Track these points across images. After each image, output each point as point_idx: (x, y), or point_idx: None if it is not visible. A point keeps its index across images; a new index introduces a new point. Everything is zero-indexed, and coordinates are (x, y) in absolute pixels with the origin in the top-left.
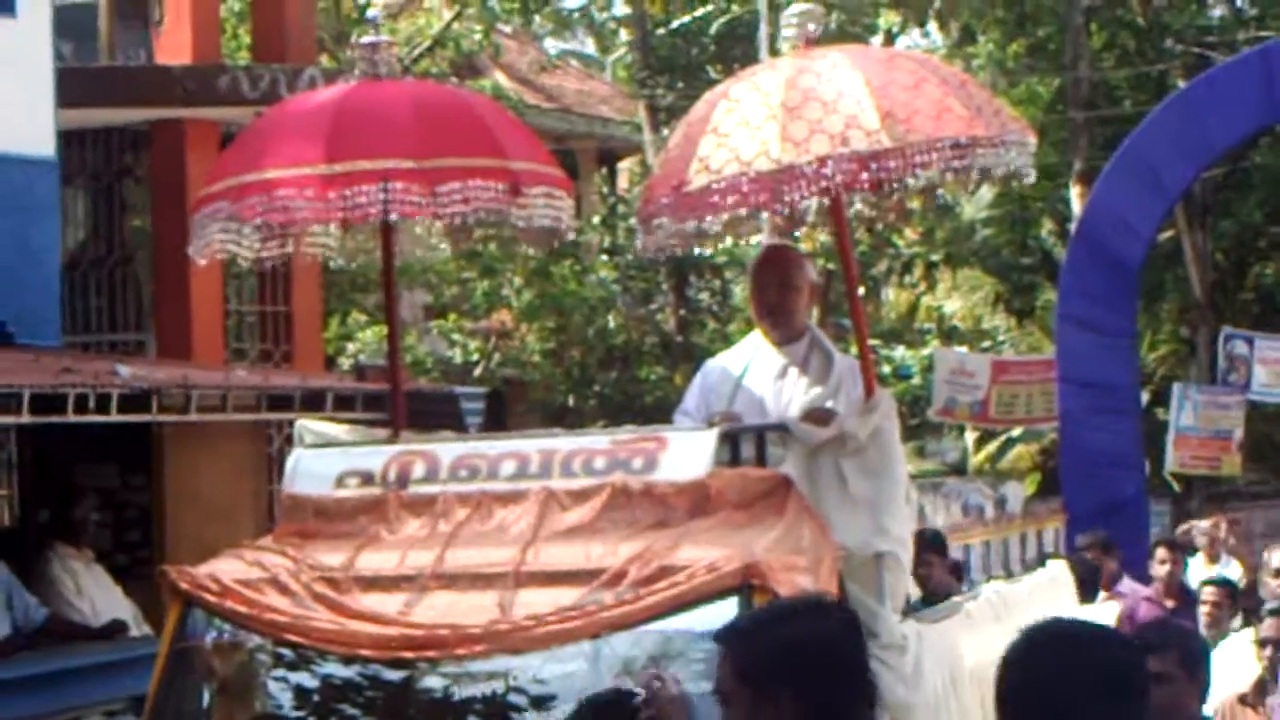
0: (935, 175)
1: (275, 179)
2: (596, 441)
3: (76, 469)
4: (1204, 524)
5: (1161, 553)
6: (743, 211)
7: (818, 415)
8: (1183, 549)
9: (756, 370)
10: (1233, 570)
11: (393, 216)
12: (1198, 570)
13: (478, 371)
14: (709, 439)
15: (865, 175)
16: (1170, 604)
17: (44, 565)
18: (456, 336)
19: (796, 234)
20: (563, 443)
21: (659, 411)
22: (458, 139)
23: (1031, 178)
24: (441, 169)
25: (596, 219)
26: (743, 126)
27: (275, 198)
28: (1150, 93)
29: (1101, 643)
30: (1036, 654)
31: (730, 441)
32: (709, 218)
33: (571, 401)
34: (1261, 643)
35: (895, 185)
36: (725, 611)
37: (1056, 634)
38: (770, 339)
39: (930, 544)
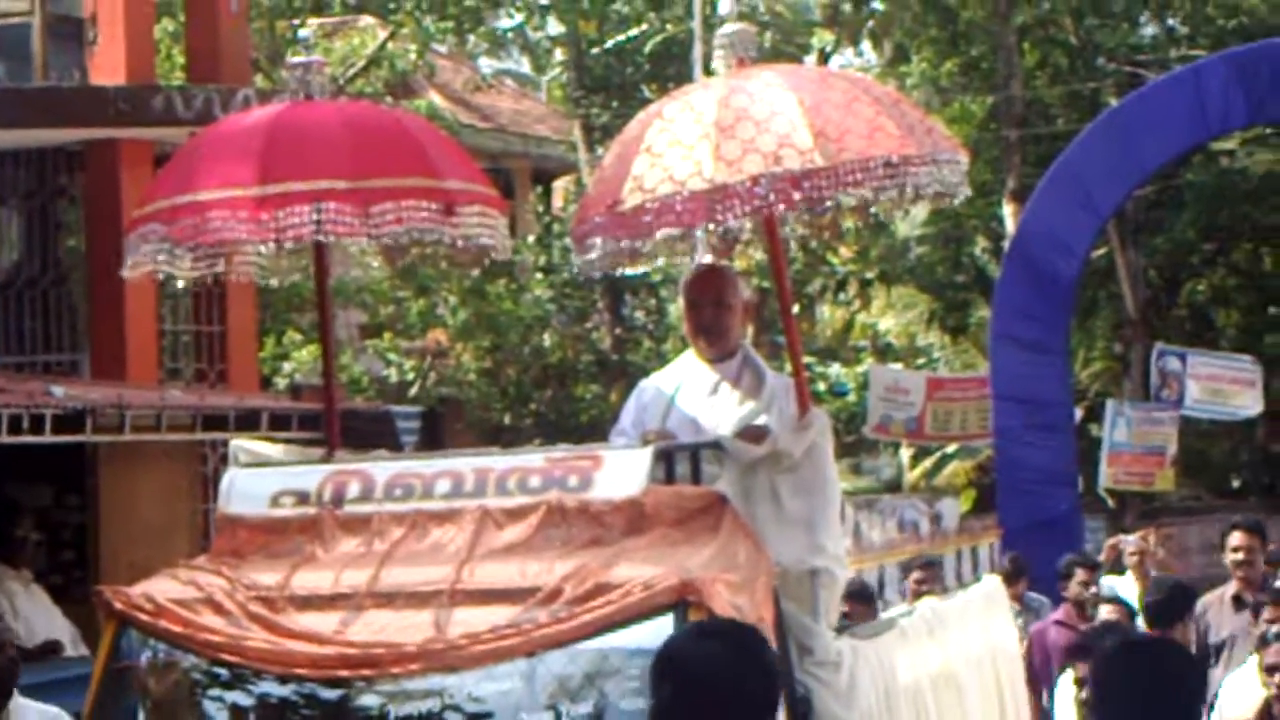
0: (869, 194)
1: (208, 200)
2: (531, 460)
3: (10, 489)
4: (1132, 538)
5: (1081, 573)
6: (677, 231)
7: (752, 433)
8: (1094, 567)
9: (690, 388)
10: None
11: (326, 237)
12: (1127, 589)
13: (413, 390)
14: (644, 457)
15: (798, 194)
16: (1084, 626)
17: None
18: (392, 356)
19: (731, 254)
20: (498, 461)
21: (595, 430)
22: (391, 159)
23: (964, 196)
24: (374, 189)
25: (532, 238)
26: (676, 146)
27: (208, 219)
28: (1083, 111)
29: None
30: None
31: (665, 459)
32: (643, 237)
33: (508, 420)
34: (1269, 669)
35: (829, 204)
36: (660, 629)
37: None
38: (703, 357)
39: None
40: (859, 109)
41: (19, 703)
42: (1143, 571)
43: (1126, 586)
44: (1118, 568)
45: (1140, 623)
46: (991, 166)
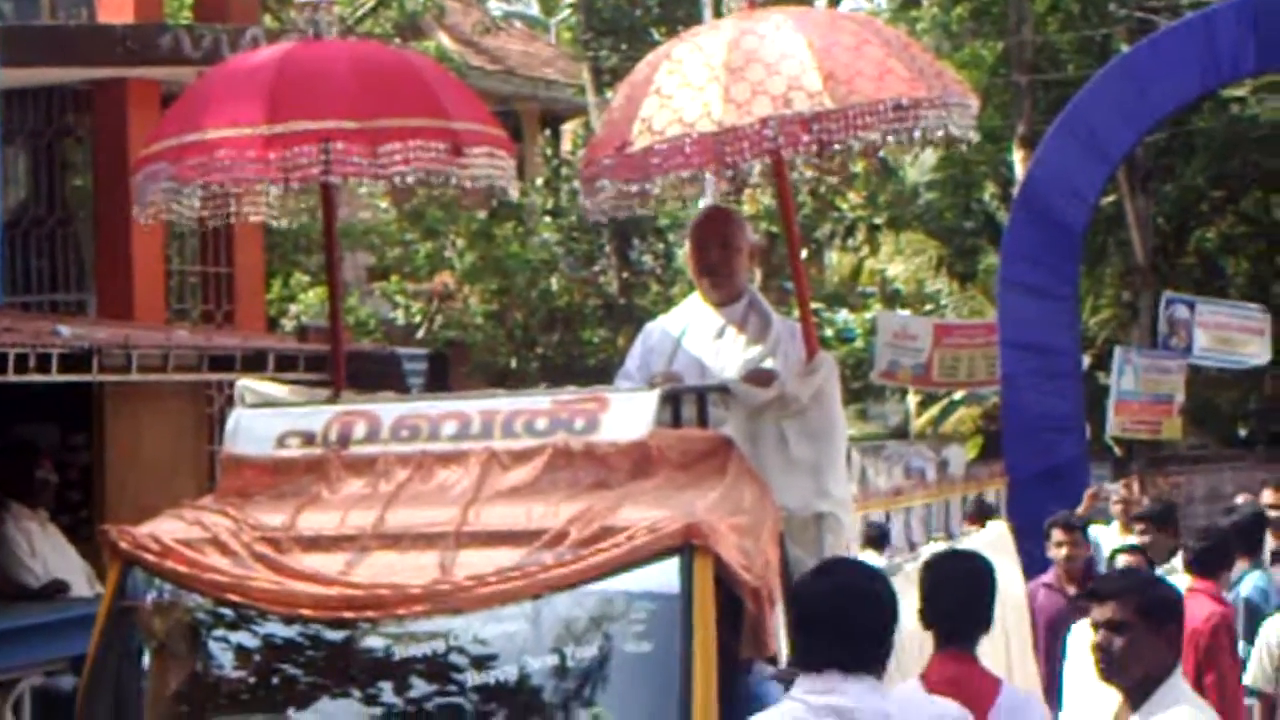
0: (877, 137)
1: (215, 139)
2: (538, 402)
3: (16, 429)
4: (1114, 486)
5: (1058, 534)
6: (685, 173)
7: (759, 376)
8: (1080, 528)
9: (695, 331)
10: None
11: (333, 177)
12: (1112, 540)
13: (420, 333)
14: (650, 400)
15: (807, 137)
16: (1073, 590)
17: None
18: (399, 298)
19: (740, 197)
20: (504, 403)
21: (601, 373)
22: (399, 99)
23: (973, 139)
24: (383, 129)
25: (540, 181)
26: (685, 88)
27: (215, 158)
28: (1094, 57)
29: None
30: None
31: (672, 402)
32: (651, 179)
33: (514, 363)
34: None
35: (838, 147)
36: (666, 572)
37: None
38: (709, 300)
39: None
40: (869, 51)
41: None
42: (1128, 525)
43: (1111, 538)
44: (1101, 517)
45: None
46: (1001, 112)
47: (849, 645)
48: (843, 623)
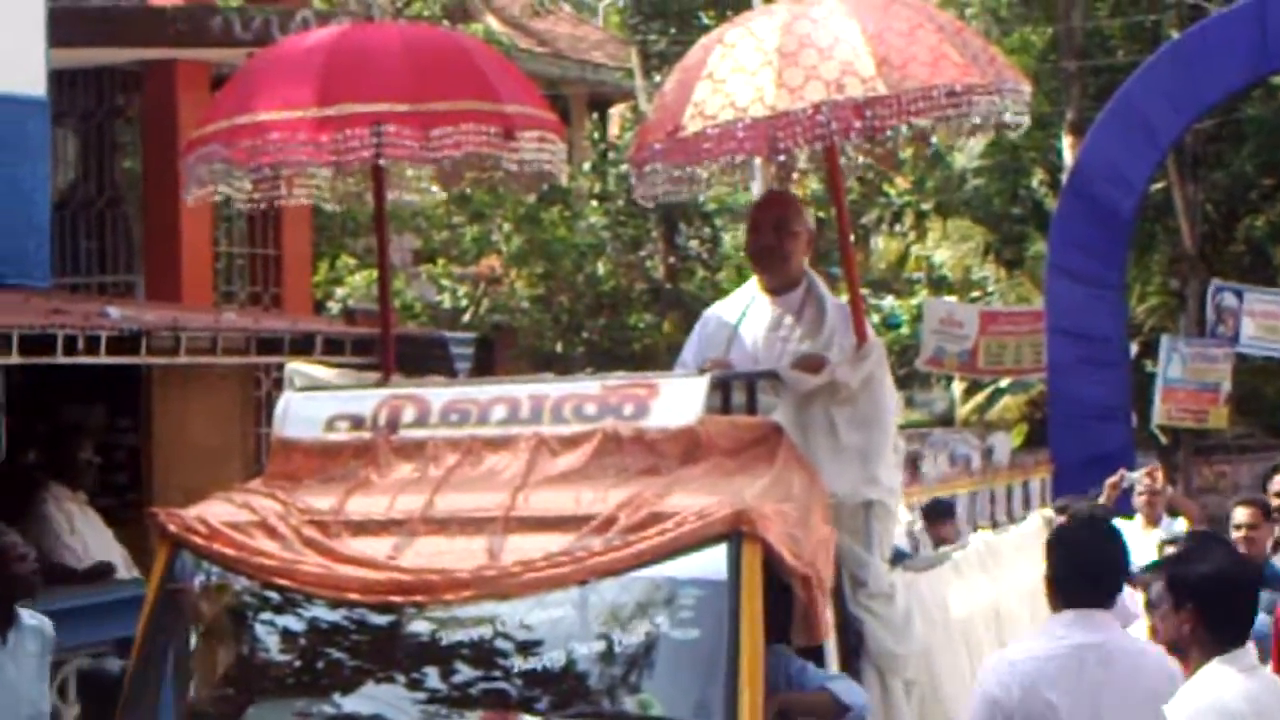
0: (930, 123)
1: (267, 121)
2: (587, 387)
3: (64, 410)
4: (1137, 475)
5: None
6: (736, 158)
7: (809, 363)
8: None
9: (751, 321)
10: (1179, 527)
11: (384, 160)
12: (1134, 536)
13: (466, 317)
14: (700, 386)
15: (860, 123)
16: None
17: (38, 505)
18: (445, 282)
19: (788, 183)
20: (553, 388)
21: (647, 358)
22: (451, 82)
23: (1025, 126)
24: (434, 112)
25: (587, 165)
26: (738, 72)
27: (267, 140)
28: (1144, 43)
29: None
30: None
31: (721, 389)
32: (703, 163)
33: (560, 348)
34: None
35: (890, 133)
36: (714, 559)
37: None
38: (765, 286)
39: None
40: (922, 36)
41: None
42: (1153, 514)
43: (1134, 532)
44: (1125, 510)
45: None
46: (1050, 98)
47: (1108, 588)
48: (1106, 568)
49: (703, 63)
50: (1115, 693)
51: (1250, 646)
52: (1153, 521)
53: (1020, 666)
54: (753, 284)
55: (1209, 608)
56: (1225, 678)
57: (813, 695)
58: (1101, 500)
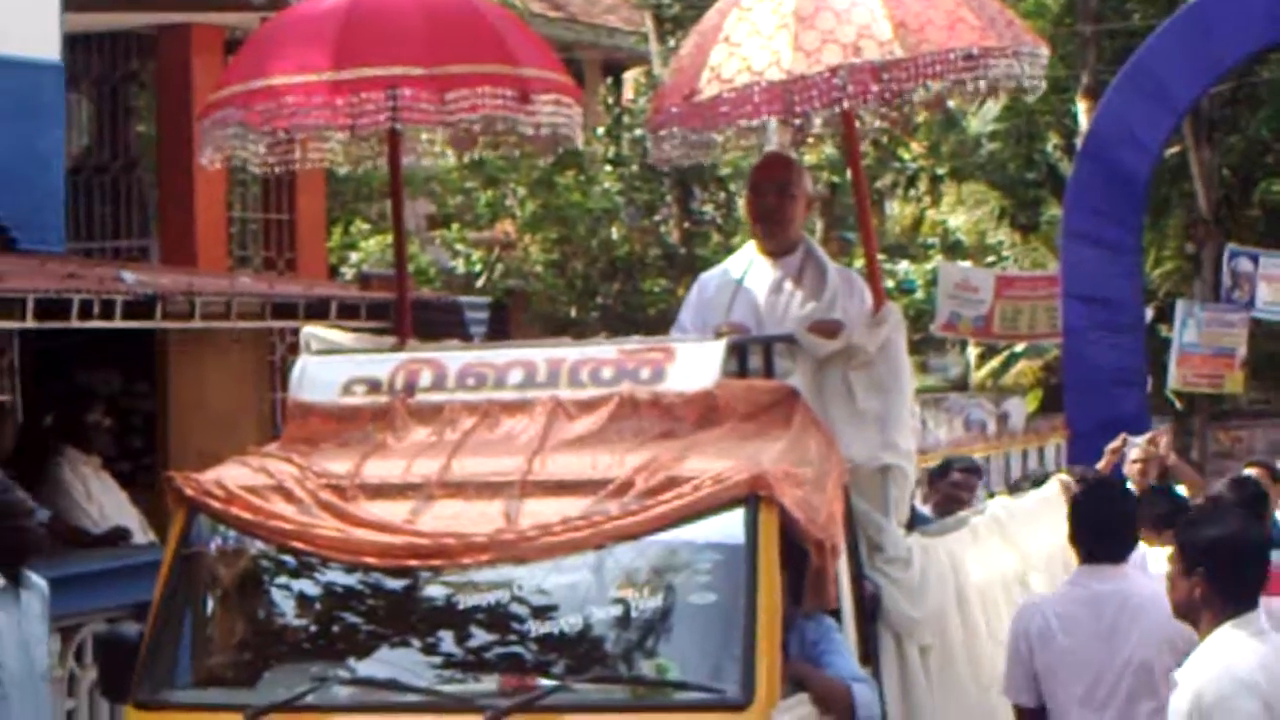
0: (947, 86)
1: (283, 85)
2: (604, 351)
3: (79, 374)
4: (1139, 440)
5: (957, 477)
6: (752, 122)
7: (826, 327)
8: (977, 473)
9: (752, 283)
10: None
11: (400, 124)
12: None
13: (480, 282)
14: (717, 350)
15: (877, 86)
16: None
17: (54, 469)
18: (459, 246)
19: (803, 147)
20: (570, 352)
21: (662, 323)
22: (467, 45)
23: (1041, 90)
24: (450, 75)
25: (601, 130)
26: (754, 36)
27: (283, 104)
28: (1159, 6)
29: None
30: None
31: (738, 353)
32: (719, 127)
33: (574, 313)
34: None
35: (905, 97)
36: (731, 523)
37: None
38: (764, 249)
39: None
40: (939, 0)
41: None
42: (1143, 483)
43: None
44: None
45: None
46: (1066, 62)
47: (1125, 542)
48: (1123, 525)
49: (719, 26)
50: (1128, 634)
51: (1260, 611)
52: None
53: (1044, 609)
54: (750, 248)
55: (1219, 572)
56: (1237, 642)
57: (832, 682)
58: (1100, 466)
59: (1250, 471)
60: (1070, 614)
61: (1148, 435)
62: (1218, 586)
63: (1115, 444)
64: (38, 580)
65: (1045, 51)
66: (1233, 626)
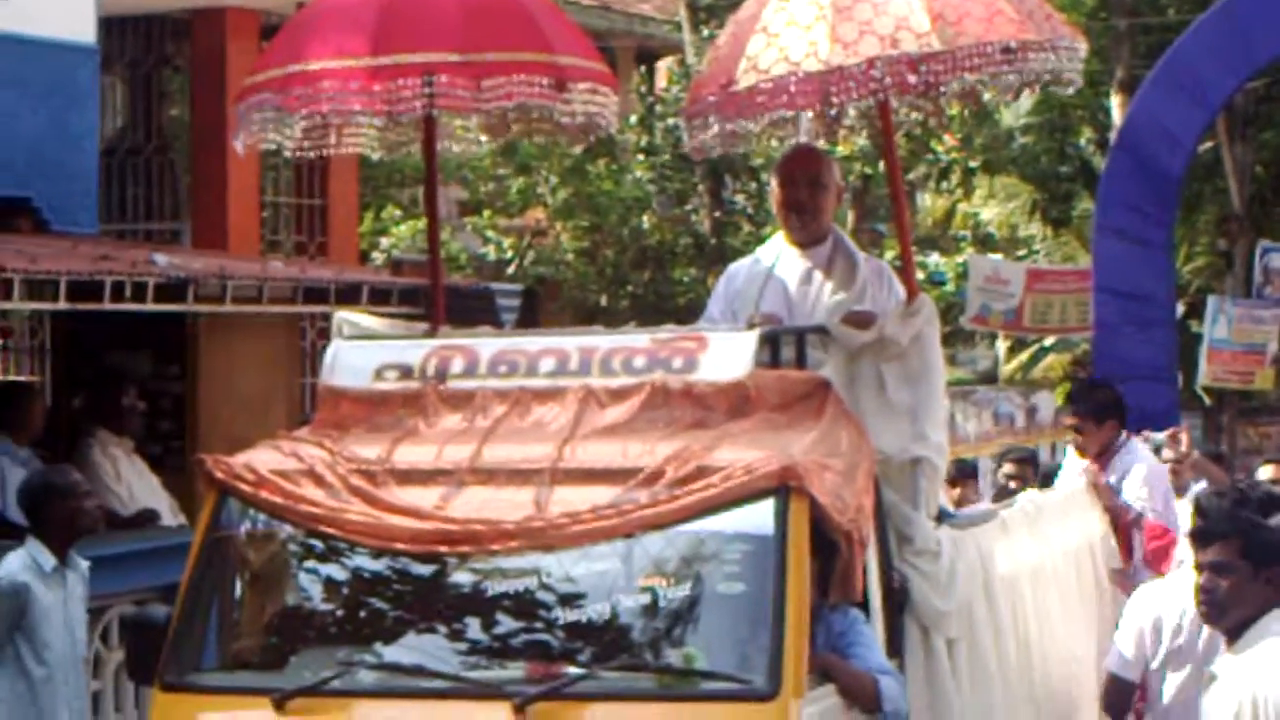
0: (984, 79)
1: (319, 70)
2: (636, 340)
3: (110, 357)
4: (1161, 437)
5: (1009, 468)
6: (786, 113)
7: (859, 318)
8: (1031, 462)
9: (781, 274)
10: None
11: (436, 110)
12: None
13: (511, 269)
14: (749, 340)
15: (914, 78)
16: None
17: (84, 450)
18: (490, 234)
19: (835, 138)
20: (602, 341)
21: (691, 312)
22: (504, 32)
23: (1079, 84)
24: (487, 62)
25: (634, 118)
26: (792, 26)
27: (319, 89)
28: (1194, 1)
29: None
30: None
31: (770, 343)
32: (755, 117)
33: (604, 301)
34: None
35: (944, 89)
36: (760, 513)
37: None
38: (793, 240)
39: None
40: None
41: None
42: (1179, 484)
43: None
44: None
45: None
46: (1100, 56)
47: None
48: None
49: (757, 16)
50: None
51: None
52: (1178, 492)
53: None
54: (779, 239)
55: None
56: None
57: (859, 674)
58: None
59: (1267, 469)
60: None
61: (1169, 432)
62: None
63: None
64: (82, 562)
65: (1083, 46)
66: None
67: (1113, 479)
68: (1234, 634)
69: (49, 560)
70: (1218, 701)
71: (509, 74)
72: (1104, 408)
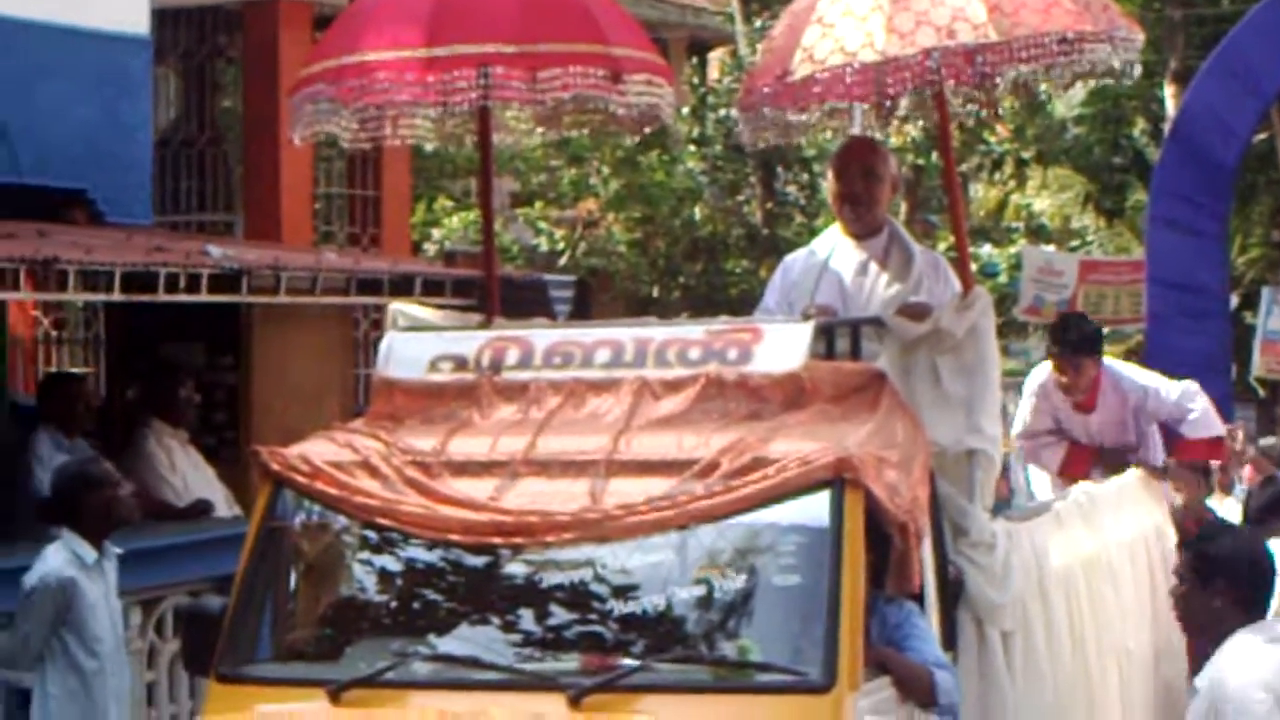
0: (1040, 69)
1: (374, 61)
2: (691, 331)
3: (164, 348)
4: None
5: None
6: (842, 104)
7: (914, 310)
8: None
9: (838, 266)
10: None
11: (491, 101)
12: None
13: (562, 260)
14: (804, 331)
15: (970, 69)
16: None
17: (139, 440)
18: (542, 225)
19: (887, 129)
20: (657, 332)
21: (744, 304)
22: (559, 24)
23: (1136, 75)
24: (542, 54)
25: (685, 109)
26: (848, 17)
27: (374, 79)
28: None
29: None
30: None
31: (825, 335)
32: (811, 107)
33: (656, 292)
34: None
35: (999, 80)
36: (816, 505)
37: None
38: (849, 231)
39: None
40: None
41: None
42: (1224, 481)
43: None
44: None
45: None
46: (1153, 47)
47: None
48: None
49: (812, 7)
50: None
51: (1272, 618)
52: (1224, 489)
53: None
54: (834, 230)
55: (1239, 582)
56: (1255, 647)
57: (914, 667)
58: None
59: None
60: None
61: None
62: (1237, 597)
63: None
64: (114, 551)
65: (1140, 36)
66: (1249, 633)
67: (1100, 416)
68: (1199, 649)
69: (90, 553)
70: (1193, 708)
71: (564, 65)
72: (1091, 342)
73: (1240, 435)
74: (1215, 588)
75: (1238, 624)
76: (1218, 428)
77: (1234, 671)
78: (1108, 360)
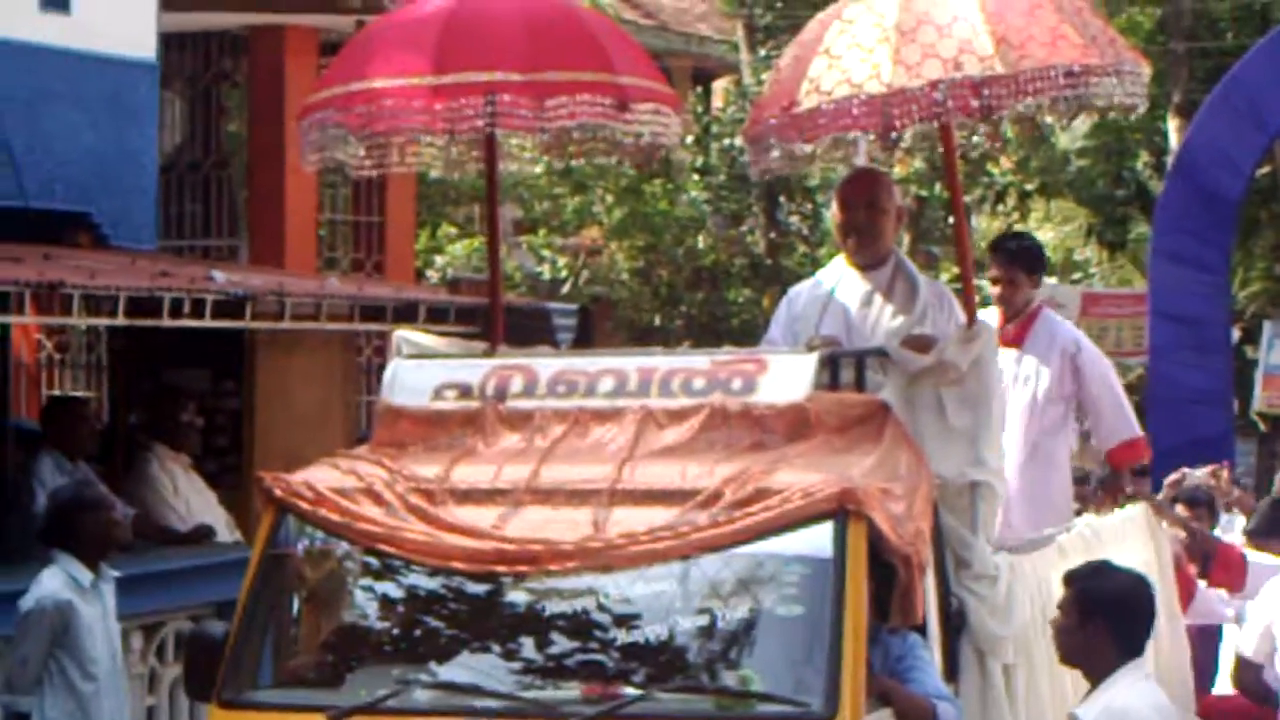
0: (1046, 102)
1: (382, 88)
2: (696, 361)
3: (167, 373)
4: (1200, 473)
5: None
6: (852, 136)
7: (918, 342)
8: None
9: (842, 297)
10: (1239, 523)
11: (498, 129)
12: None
13: (565, 288)
14: (809, 362)
15: (976, 102)
16: None
17: (142, 465)
18: (546, 252)
19: (892, 160)
20: (662, 362)
21: (746, 333)
22: (566, 52)
23: (1142, 109)
24: (549, 82)
25: (690, 138)
26: (855, 48)
27: (381, 106)
28: (1253, 25)
29: None
30: None
31: (830, 365)
32: (816, 139)
33: (658, 321)
34: None
35: (1005, 112)
36: (819, 536)
37: None
38: (854, 262)
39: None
40: (1042, 16)
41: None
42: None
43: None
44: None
45: None
46: (1157, 80)
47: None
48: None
49: (820, 38)
50: None
51: (1147, 656)
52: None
53: None
54: (839, 261)
55: (1118, 621)
56: (1132, 684)
57: (916, 699)
58: (1160, 498)
59: None
60: None
61: (1209, 469)
62: (1116, 634)
63: (1174, 477)
64: (111, 574)
65: (1146, 70)
66: (1127, 670)
67: (1031, 354)
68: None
69: (86, 575)
70: None
71: (571, 94)
72: (1028, 256)
73: (1225, 475)
74: (1095, 624)
75: (1114, 660)
76: (1134, 426)
77: (1120, 711)
78: (1050, 311)
